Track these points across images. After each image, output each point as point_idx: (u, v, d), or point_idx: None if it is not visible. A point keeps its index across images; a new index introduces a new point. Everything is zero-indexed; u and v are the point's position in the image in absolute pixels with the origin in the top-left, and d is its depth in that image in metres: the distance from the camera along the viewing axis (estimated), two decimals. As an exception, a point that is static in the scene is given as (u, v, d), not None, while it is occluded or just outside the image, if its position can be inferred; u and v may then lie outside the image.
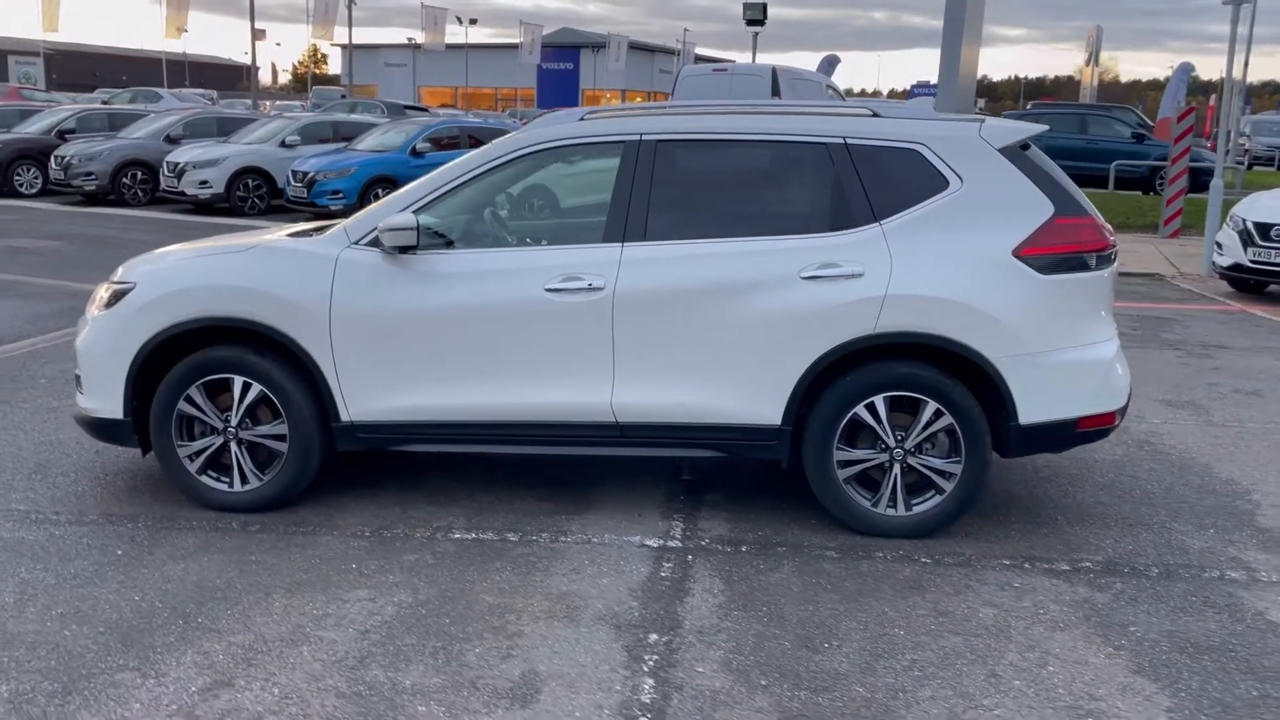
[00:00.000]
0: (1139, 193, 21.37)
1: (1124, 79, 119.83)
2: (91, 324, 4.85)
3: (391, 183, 16.17)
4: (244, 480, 4.76)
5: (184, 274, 4.79)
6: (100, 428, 4.85)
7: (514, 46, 50.17)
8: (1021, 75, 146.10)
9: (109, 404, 4.76)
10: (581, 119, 4.83)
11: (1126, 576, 4.26)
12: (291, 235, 5.00)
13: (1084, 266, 4.49)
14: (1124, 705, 3.31)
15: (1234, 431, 6.30)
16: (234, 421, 4.72)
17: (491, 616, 3.81)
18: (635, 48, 56.67)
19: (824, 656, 3.57)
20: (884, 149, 4.57)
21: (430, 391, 4.62)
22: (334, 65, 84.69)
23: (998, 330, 4.41)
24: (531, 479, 5.20)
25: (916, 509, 4.57)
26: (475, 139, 16.66)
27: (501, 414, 4.64)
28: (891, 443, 4.52)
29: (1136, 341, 8.88)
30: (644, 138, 4.65)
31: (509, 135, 4.86)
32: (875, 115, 4.72)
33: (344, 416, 4.68)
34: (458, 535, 4.55)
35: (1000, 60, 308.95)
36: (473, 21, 59.72)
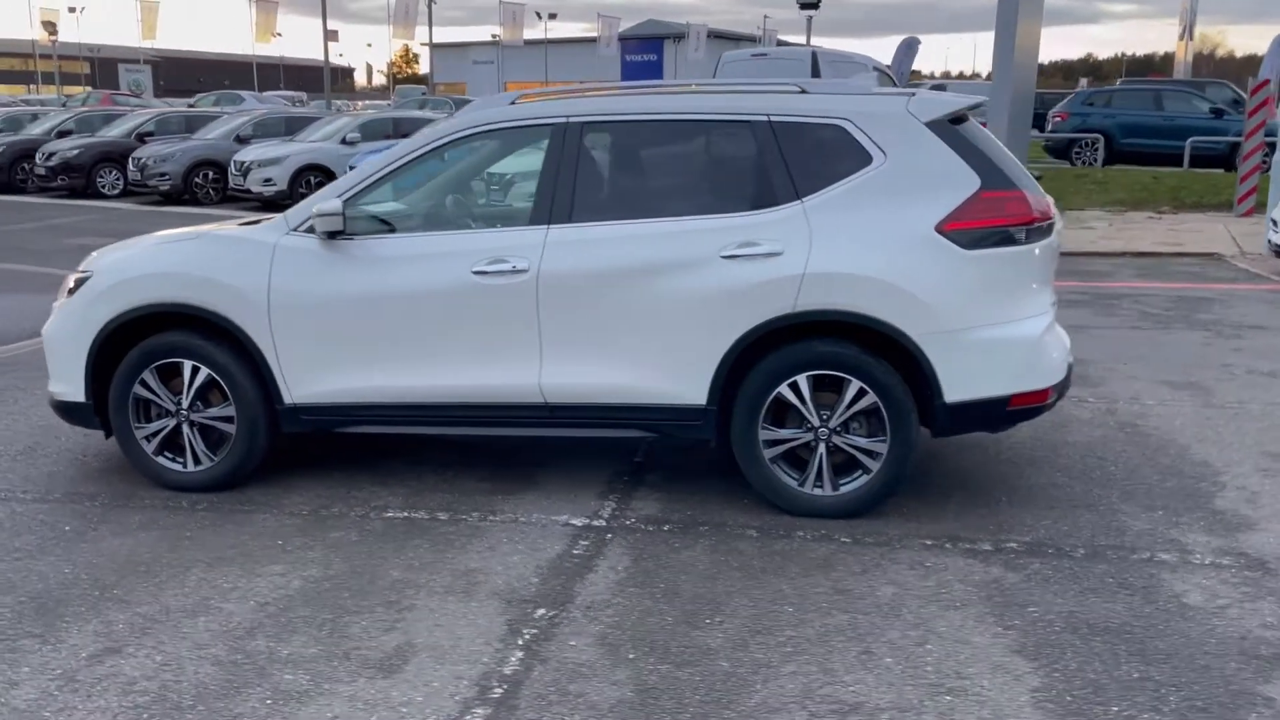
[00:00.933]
0: (1220, 170, 20.52)
1: (1239, 54, 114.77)
2: (56, 312, 5.09)
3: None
4: (196, 461, 4.95)
5: (135, 263, 4.98)
6: (67, 410, 5.09)
7: (595, 40, 50.45)
8: (1128, 52, 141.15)
9: (72, 388, 4.99)
10: (513, 102, 4.89)
11: (1048, 557, 4.16)
12: (241, 224, 5.16)
13: (1010, 241, 4.38)
14: (988, 684, 3.24)
15: (1230, 414, 6.06)
16: (185, 404, 4.90)
17: (391, 591, 3.90)
18: (716, 36, 56.39)
19: (701, 632, 3.57)
20: (808, 125, 4.53)
21: (367, 374, 4.74)
22: (425, 65, 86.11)
23: (919, 307, 4.33)
24: (482, 461, 5.29)
25: (844, 489, 4.52)
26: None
27: (436, 396, 4.72)
28: (816, 422, 4.48)
29: (1161, 323, 8.58)
30: (570, 120, 4.68)
31: (444, 121, 4.94)
32: (803, 92, 4.67)
33: (287, 399, 4.82)
34: (390, 514, 4.66)
35: (1107, 38, 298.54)
36: (552, 16, 60.24)
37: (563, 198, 4.62)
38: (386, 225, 4.80)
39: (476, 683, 3.27)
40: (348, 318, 4.70)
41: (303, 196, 18.02)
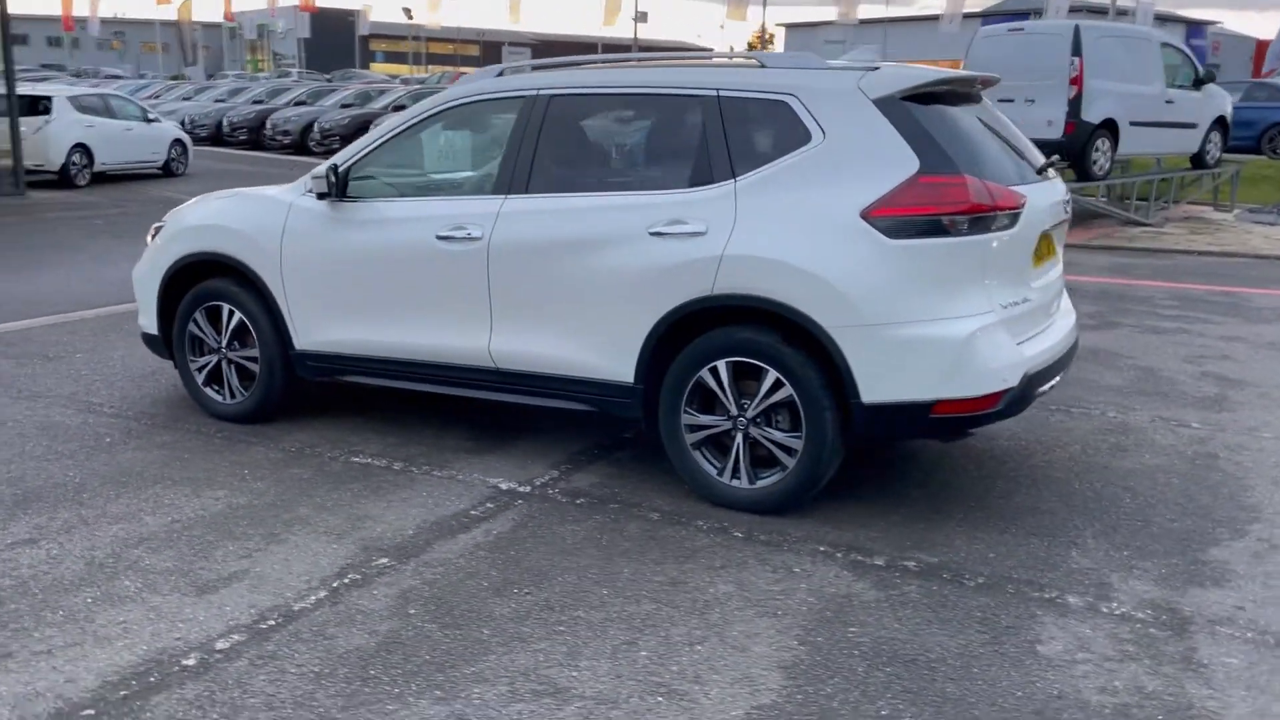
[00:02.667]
0: None
1: None
2: (143, 254, 5.87)
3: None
4: (232, 395, 5.55)
5: (191, 215, 5.64)
6: (147, 340, 5.87)
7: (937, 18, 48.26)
8: None
9: (149, 321, 5.75)
10: (499, 74, 5.03)
11: (934, 581, 3.77)
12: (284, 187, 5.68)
13: (942, 230, 3.97)
14: (715, 694, 3.06)
15: (1352, 455, 5.09)
16: (223, 343, 5.50)
17: (280, 525, 4.23)
18: (1079, 10, 52.14)
19: (499, 600, 3.61)
20: (754, 101, 4.33)
21: (352, 328, 5.10)
22: (780, 45, 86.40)
23: (834, 297, 4.05)
24: (482, 421, 5.50)
25: (760, 483, 4.33)
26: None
27: (407, 353, 5.00)
28: (734, 411, 4.31)
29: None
30: (539, 93, 4.77)
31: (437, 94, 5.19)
32: (761, 66, 4.47)
33: (296, 345, 5.29)
34: (356, 459, 5.00)
35: None
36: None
37: (521, 169, 4.72)
38: (379, 190, 5.11)
39: (261, 613, 3.52)
40: (338, 275, 5.08)
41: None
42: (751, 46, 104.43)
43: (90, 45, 61.58)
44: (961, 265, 4.01)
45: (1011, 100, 13.23)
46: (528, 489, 4.63)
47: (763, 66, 4.45)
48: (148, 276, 5.71)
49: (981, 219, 3.99)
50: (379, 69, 76.44)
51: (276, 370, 5.36)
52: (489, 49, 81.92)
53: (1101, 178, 13.44)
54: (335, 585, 3.72)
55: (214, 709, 2.96)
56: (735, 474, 4.36)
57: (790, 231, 4.14)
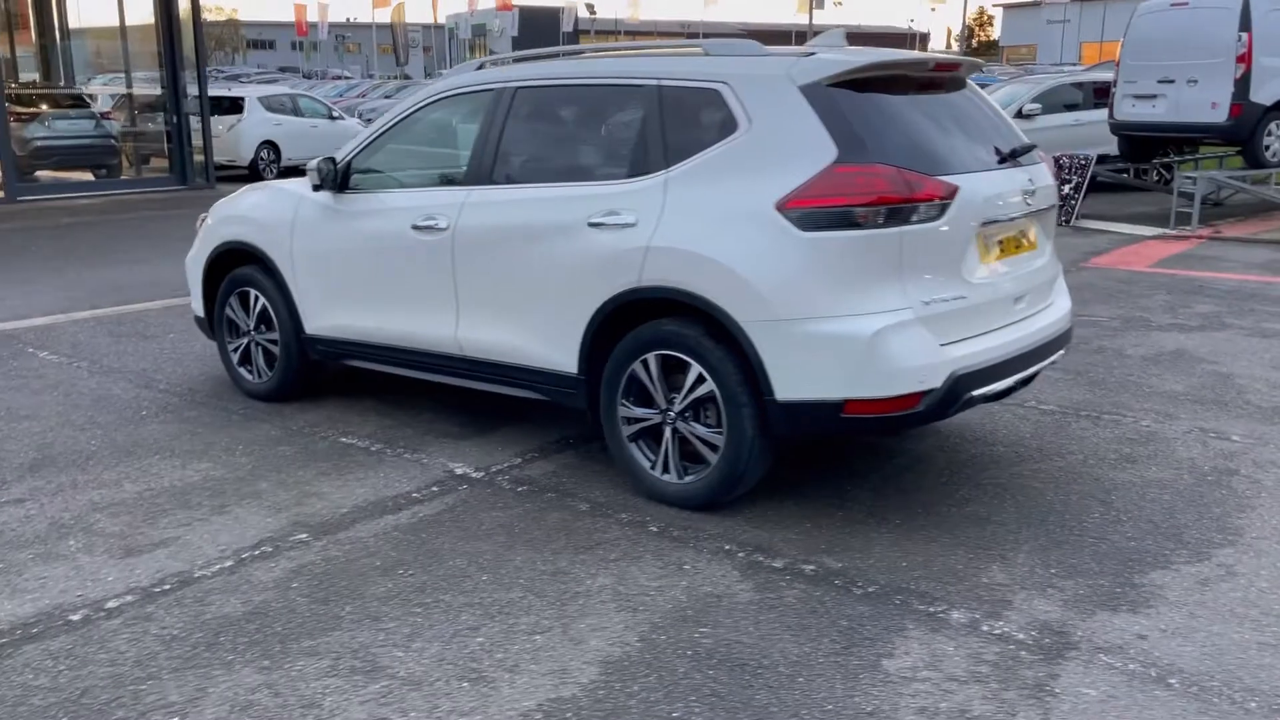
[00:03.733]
0: None
1: None
2: (194, 242, 6.33)
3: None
4: (259, 375, 5.92)
5: (227, 207, 6.04)
6: (197, 322, 6.34)
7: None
8: None
9: (197, 305, 6.22)
10: (479, 67, 5.14)
11: (820, 587, 3.63)
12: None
13: (854, 223, 3.80)
14: (519, 684, 3.07)
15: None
16: (251, 326, 5.88)
17: (234, 498, 4.49)
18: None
19: (381, 581, 3.71)
20: (690, 90, 4.27)
21: (348, 314, 5.35)
22: (998, 27, 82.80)
23: (748, 291, 3.95)
24: (477, 407, 5.64)
25: (688, 478, 4.27)
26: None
27: (391, 338, 5.21)
28: (663, 405, 4.27)
29: None
30: (506, 86, 4.85)
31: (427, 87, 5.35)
32: (705, 54, 4.39)
33: (306, 330, 5.60)
34: (342, 439, 5.24)
35: None
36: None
37: (487, 161, 4.83)
38: (376, 182, 5.33)
39: (163, 578, 3.77)
40: (336, 263, 5.34)
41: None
42: (970, 31, 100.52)
43: (325, 48, 65.54)
44: (874, 259, 3.82)
45: (1171, 81, 12.29)
46: (481, 475, 4.73)
47: (705, 55, 4.37)
48: (194, 263, 6.15)
49: (899, 210, 3.79)
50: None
51: (292, 353, 5.68)
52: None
53: (1275, 165, 12.27)
54: (244, 557, 3.94)
55: (65, 661, 3.21)
56: (665, 469, 4.32)
57: (709, 223, 4.06)
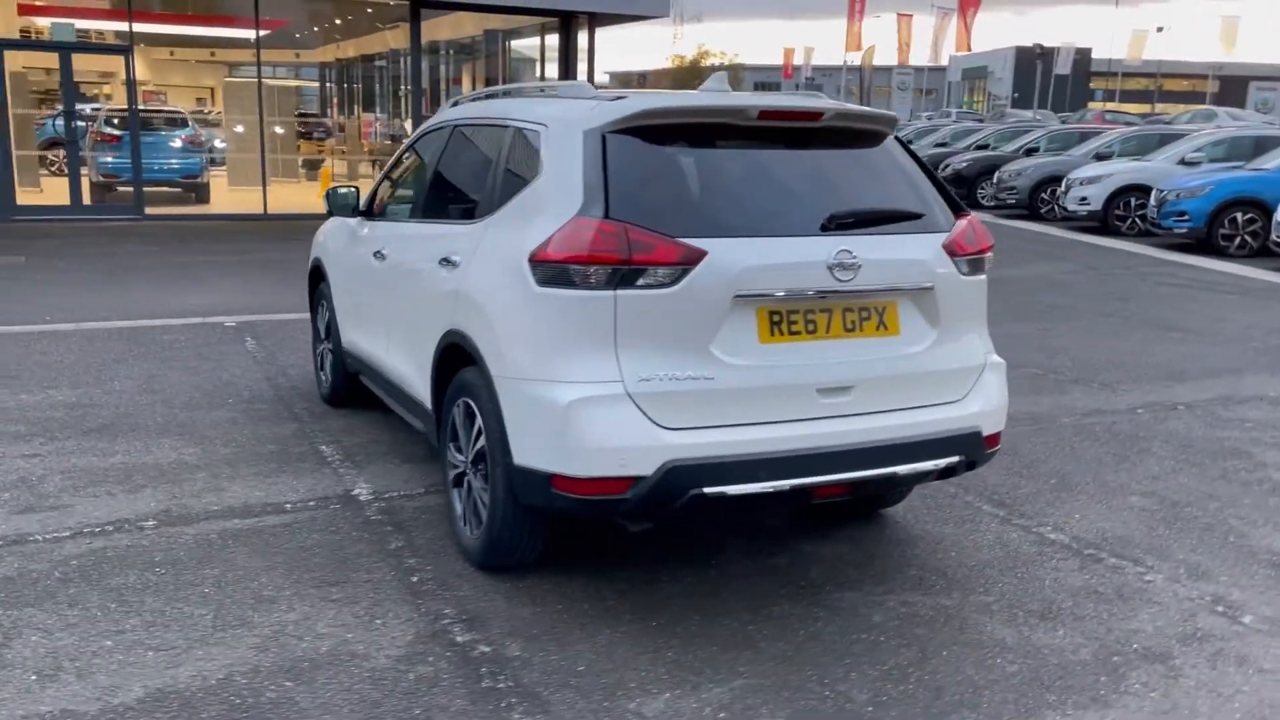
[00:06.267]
0: None
1: None
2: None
3: (1257, 205, 14.14)
4: (323, 380, 6.51)
5: (319, 231, 6.68)
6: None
7: None
8: None
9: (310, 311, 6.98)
10: (454, 104, 5.27)
11: (463, 670, 3.35)
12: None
13: (571, 282, 3.45)
14: (17, 685, 3.21)
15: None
16: (322, 334, 6.49)
17: (164, 481, 5.01)
18: None
19: (129, 575, 4.00)
20: (523, 133, 4.13)
21: (353, 331, 5.75)
22: None
23: (497, 344, 3.76)
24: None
25: (476, 534, 4.11)
26: None
27: (365, 358, 5.52)
28: (461, 454, 4.16)
29: None
30: (448, 124, 4.97)
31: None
32: (552, 96, 4.21)
33: (342, 341, 6.08)
34: (320, 448, 5.62)
35: None
36: None
37: (421, 195, 5.00)
38: (384, 213, 5.64)
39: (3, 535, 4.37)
40: (346, 283, 5.78)
41: (1119, 219, 16.91)
42: None
43: (799, 89, 66.55)
44: (587, 323, 3.44)
45: None
46: (367, 498, 4.86)
47: (552, 96, 4.18)
48: (306, 277, 6.90)
49: (618, 271, 3.39)
50: (1098, 108, 73.18)
51: (338, 362, 6.18)
52: (1230, 84, 73.74)
53: None
54: (85, 530, 4.43)
55: None
56: (465, 520, 4.18)
57: (491, 273, 3.90)
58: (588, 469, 3.42)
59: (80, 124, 16.58)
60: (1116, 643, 3.65)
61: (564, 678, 3.32)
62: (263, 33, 23.69)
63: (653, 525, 3.95)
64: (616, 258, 3.39)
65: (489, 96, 4.94)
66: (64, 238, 14.06)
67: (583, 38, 17.91)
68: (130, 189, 16.39)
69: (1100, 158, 18.64)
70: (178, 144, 17.78)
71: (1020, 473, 5.46)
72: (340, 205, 5.69)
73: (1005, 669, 3.46)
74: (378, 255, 5.15)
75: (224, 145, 20.32)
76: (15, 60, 17.19)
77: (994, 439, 3.99)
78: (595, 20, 17.73)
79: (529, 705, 3.16)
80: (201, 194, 18.24)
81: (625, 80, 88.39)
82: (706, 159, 3.69)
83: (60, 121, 17.69)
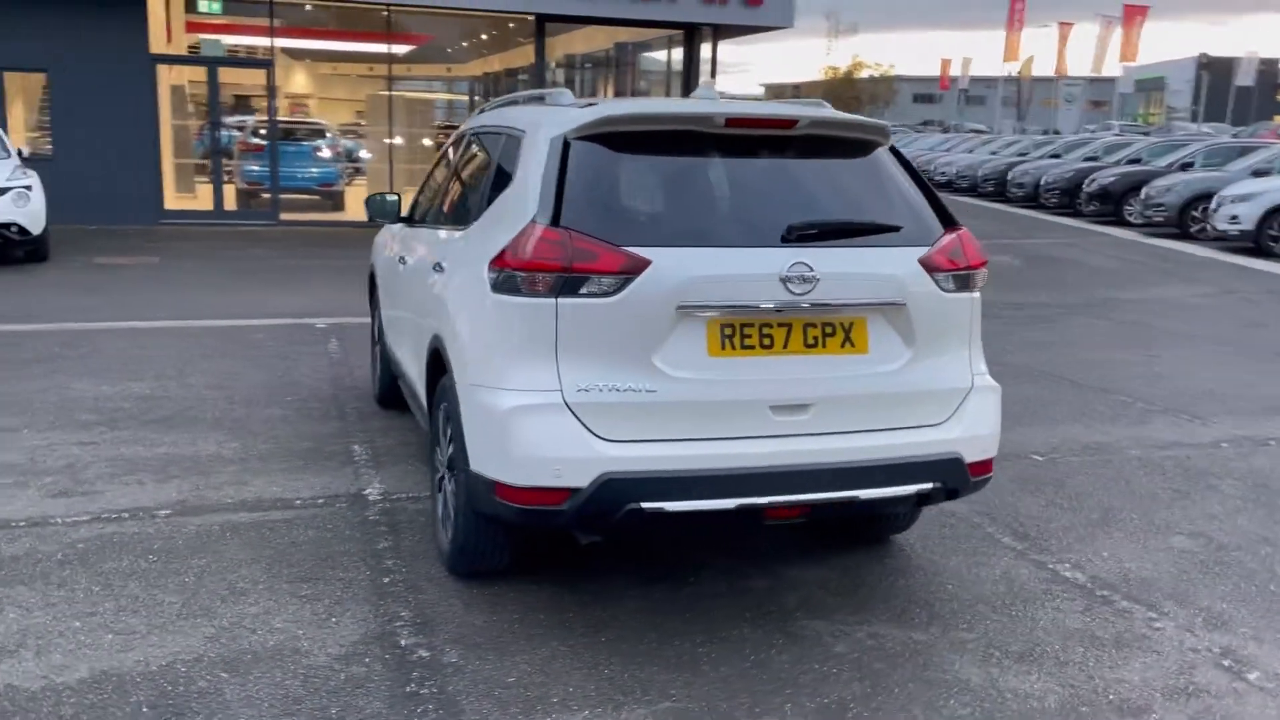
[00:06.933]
0: None
1: None
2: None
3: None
4: (376, 382, 6.67)
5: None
6: (375, 331, 7.29)
7: None
8: None
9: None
10: (480, 112, 5.31)
11: (389, 675, 3.37)
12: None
13: (518, 289, 3.43)
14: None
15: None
16: (375, 339, 6.66)
17: (194, 472, 5.23)
18: None
19: (121, 557, 4.19)
20: (512, 140, 4.13)
21: (387, 334, 5.89)
22: None
23: (461, 350, 3.78)
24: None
25: (449, 538, 4.12)
26: None
27: (396, 361, 5.64)
28: (442, 458, 4.19)
29: None
30: (466, 131, 5.03)
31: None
32: (543, 104, 4.20)
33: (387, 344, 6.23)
34: (353, 447, 5.76)
35: None
36: None
37: (436, 201, 5.08)
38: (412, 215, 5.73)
39: (25, 518, 4.62)
40: (383, 288, 5.93)
41: (1272, 239, 15.73)
42: None
43: (991, 101, 64.45)
44: (532, 331, 3.40)
45: None
46: (375, 498, 4.95)
47: (543, 104, 4.18)
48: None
49: (560, 279, 3.35)
50: (1282, 123, 68.71)
51: (383, 363, 6.33)
52: None
53: None
54: (103, 516, 4.64)
55: (-127, 554, 4.18)
56: (443, 524, 4.21)
57: (461, 278, 3.93)
58: (523, 478, 3.38)
59: (224, 134, 17.51)
60: (1092, 693, 3.38)
61: (490, 688, 3.29)
62: (407, 48, 24.60)
63: (600, 539, 3.87)
64: (558, 265, 3.35)
65: (507, 104, 4.97)
66: (200, 240, 14.88)
67: (707, 49, 17.88)
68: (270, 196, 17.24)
69: (1259, 174, 17.43)
70: (318, 154, 18.58)
71: (1060, 505, 5.14)
72: (381, 211, 5.81)
73: (955, 712, 3.25)
74: (401, 260, 5.26)
75: (369, 156, 21.12)
76: (182, 75, 18.33)
77: (981, 466, 3.76)
78: (718, 32, 17.68)
79: (443, 714, 3.15)
80: (337, 201, 19.01)
81: (779, 92, 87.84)
82: (669, 167, 3.62)
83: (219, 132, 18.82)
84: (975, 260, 3.75)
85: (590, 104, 3.84)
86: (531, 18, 16.78)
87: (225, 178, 17.42)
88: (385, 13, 17.19)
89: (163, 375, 7.20)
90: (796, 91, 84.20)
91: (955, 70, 55.27)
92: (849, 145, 3.80)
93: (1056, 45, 45.13)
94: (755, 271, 3.40)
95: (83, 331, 8.61)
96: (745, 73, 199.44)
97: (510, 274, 3.45)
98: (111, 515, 4.65)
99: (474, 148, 4.77)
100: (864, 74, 72.11)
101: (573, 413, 3.35)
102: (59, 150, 15.71)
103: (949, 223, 3.79)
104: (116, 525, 4.54)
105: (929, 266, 3.63)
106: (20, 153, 12.82)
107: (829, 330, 3.51)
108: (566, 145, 3.58)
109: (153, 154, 16.16)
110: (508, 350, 3.47)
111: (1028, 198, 24.31)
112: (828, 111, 3.85)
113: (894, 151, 3.90)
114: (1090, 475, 5.61)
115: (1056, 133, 43.89)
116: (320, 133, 19.34)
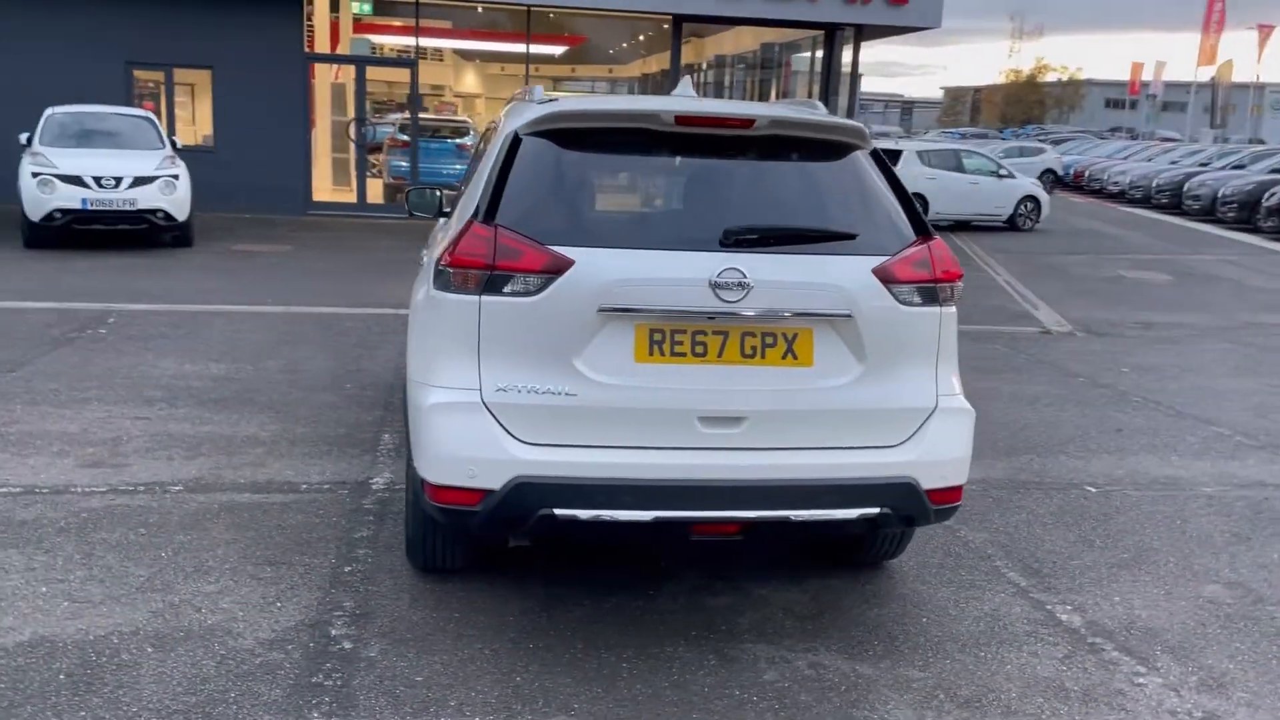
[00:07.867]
0: None
1: None
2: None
3: None
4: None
5: (437, 227, 6.94)
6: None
7: None
8: None
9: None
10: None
11: (316, 672, 3.40)
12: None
13: (449, 285, 3.40)
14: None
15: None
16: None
17: (221, 453, 5.42)
18: None
19: (116, 529, 4.37)
20: (494, 137, 4.10)
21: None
22: None
23: (409, 345, 3.79)
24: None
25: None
26: None
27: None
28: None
29: None
30: (489, 129, 5.03)
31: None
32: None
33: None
34: (384, 435, 5.88)
35: None
36: None
37: (455, 196, 5.08)
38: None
39: (47, 483, 4.89)
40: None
41: None
42: None
43: (1193, 107, 60.76)
44: (457, 328, 3.36)
45: None
46: (380, 488, 5.02)
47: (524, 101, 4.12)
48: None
49: (484, 276, 3.30)
50: None
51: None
52: None
53: None
54: (120, 488, 4.86)
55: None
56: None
57: (422, 275, 3.94)
58: (442, 476, 3.35)
59: (370, 130, 18.19)
60: (1028, 748, 3.10)
61: (393, 685, 3.27)
62: (563, 49, 25.02)
63: (528, 543, 3.79)
64: (482, 263, 3.29)
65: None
66: (337, 232, 15.50)
67: (848, 51, 17.48)
68: (412, 190, 17.78)
69: None
70: (459, 150, 19.11)
71: (1091, 541, 4.75)
72: (420, 206, 5.87)
73: (864, 755, 3.03)
74: (424, 256, 5.29)
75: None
76: (349, 73, 19.09)
77: (944, 494, 3.50)
78: (861, 33, 17.24)
79: (335, 707, 3.14)
80: (479, 197, 19.45)
81: (958, 95, 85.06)
82: (613, 165, 3.52)
83: (382, 129, 19.62)
84: (946, 273, 3.49)
85: (551, 100, 3.77)
86: (669, 18, 16.77)
87: (374, 172, 18.07)
88: (527, 13, 17.50)
89: (242, 358, 7.51)
90: (976, 94, 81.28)
91: (1147, 75, 52.25)
92: (818, 148, 3.60)
93: (1258, 49, 41.97)
94: (683, 276, 3.25)
95: (194, 313, 9.08)
96: (929, 75, 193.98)
97: (443, 270, 3.42)
98: (127, 488, 4.87)
99: (481, 145, 4.77)
100: (1049, 77, 69.07)
101: (490, 413, 3.29)
102: (219, 142, 16.66)
103: (922, 233, 3.54)
104: (128, 498, 4.74)
105: (885, 278, 3.40)
106: (175, 144, 13.63)
107: (769, 340, 3.33)
108: (517, 141, 3.52)
109: (303, 147, 16.93)
110: (436, 347, 3.45)
111: (1204, 211, 22.78)
112: (791, 112, 3.65)
113: (875, 156, 3.67)
114: (1142, 512, 5.17)
115: (1261, 142, 40.92)
116: (464, 131, 19.86)
